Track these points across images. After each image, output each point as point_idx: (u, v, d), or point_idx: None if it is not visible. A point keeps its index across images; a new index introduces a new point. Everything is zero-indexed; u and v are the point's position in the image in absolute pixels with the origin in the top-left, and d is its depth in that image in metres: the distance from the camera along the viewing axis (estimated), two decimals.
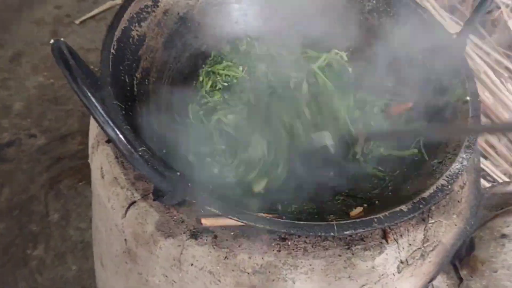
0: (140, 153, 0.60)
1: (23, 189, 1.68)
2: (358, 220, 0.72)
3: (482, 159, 1.78)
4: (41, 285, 1.47)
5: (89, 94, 0.57)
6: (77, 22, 2.37)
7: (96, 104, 0.57)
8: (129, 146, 0.58)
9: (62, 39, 0.65)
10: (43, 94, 2.02)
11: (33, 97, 2.00)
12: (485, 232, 1.05)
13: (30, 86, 2.05)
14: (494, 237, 1.02)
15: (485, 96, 1.79)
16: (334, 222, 0.71)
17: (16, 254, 1.53)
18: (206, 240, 0.76)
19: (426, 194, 0.76)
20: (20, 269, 1.49)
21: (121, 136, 0.58)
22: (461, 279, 1.07)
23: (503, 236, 1.01)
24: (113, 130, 0.57)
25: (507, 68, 1.90)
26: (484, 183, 1.74)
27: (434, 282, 1.09)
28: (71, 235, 1.58)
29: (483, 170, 1.76)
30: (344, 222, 0.71)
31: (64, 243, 1.56)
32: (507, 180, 1.74)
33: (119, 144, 0.58)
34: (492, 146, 1.79)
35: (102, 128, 0.57)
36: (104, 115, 0.57)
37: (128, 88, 0.88)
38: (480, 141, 1.77)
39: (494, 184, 1.54)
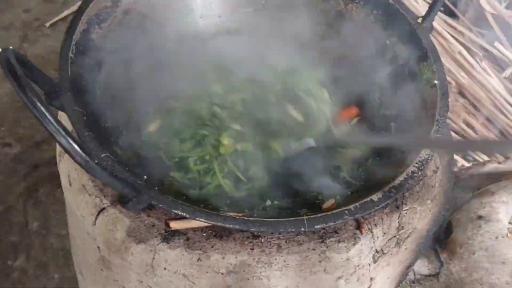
0: (97, 162, 0.58)
1: (0, 199, 1.65)
2: (329, 213, 0.71)
3: (461, 139, 1.79)
4: None
5: (39, 105, 0.55)
6: (47, 25, 2.32)
7: (46, 114, 0.55)
8: (84, 156, 0.57)
9: (11, 47, 0.63)
10: (16, 101, 1.97)
11: (5, 105, 1.96)
12: (462, 214, 1.05)
13: (2, 94, 2.01)
14: (470, 219, 1.03)
15: (460, 77, 1.79)
16: (305, 217, 0.70)
17: None
18: (178, 243, 0.75)
19: (396, 182, 0.75)
20: (1, 282, 1.47)
21: (75, 146, 0.56)
22: (442, 263, 1.08)
23: (479, 217, 1.01)
24: (66, 140, 0.55)
25: (481, 47, 1.90)
26: (465, 163, 1.75)
27: (415, 267, 1.09)
28: (52, 243, 1.56)
29: None
30: (315, 216, 0.70)
31: (45, 252, 1.54)
32: (487, 159, 1.75)
33: (73, 154, 0.56)
34: (471, 126, 1.80)
35: (54, 138, 0.56)
36: (56, 125, 0.55)
37: (91, 92, 0.86)
38: (458, 121, 1.77)
39: (475, 163, 1.55)
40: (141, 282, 0.80)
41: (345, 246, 0.77)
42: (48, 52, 2.12)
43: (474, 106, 1.82)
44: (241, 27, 1.11)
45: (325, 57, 1.09)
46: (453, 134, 1.77)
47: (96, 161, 0.58)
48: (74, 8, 2.38)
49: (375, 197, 0.74)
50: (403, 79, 0.96)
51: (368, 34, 1.04)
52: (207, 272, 0.74)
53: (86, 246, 0.88)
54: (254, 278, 0.74)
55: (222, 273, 0.74)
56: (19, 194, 1.67)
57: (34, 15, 2.36)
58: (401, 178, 0.76)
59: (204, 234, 0.76)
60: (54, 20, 2.34)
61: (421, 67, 0.93)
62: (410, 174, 0.77)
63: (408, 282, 1.13)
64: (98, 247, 0.82)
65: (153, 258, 0.75)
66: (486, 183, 1.11)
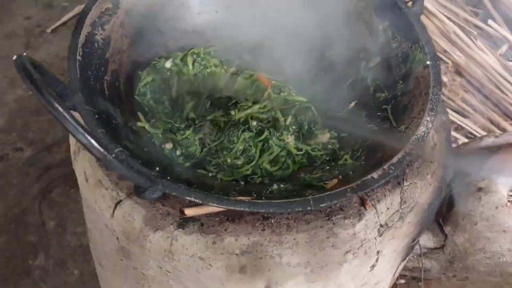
0: (114, 155, 0.63)
1: (15, 202, 1.70)
2: (332, 192, 0.75)
3: (460, 118, 1.82)
4: None
5: (57, 105, 0.59)
6: (48, 31, 2.35)
7: (65, 114, 0.59)
8: (102, 150, 0.61)
9: (24, 53, 0.67)
10: (24, 106, 2.02)
11: (14, 111, 2.01)
12: (463, 187, 1.09)
13: (10, 100, 2.06)
14: (471, 192, 1.06)
15: (456, 56, 1.82)
16: (310, 197, 0.74)
17: (18, 265, 1.56)
18: (193, 228, 0.79)
19: (395, 159, 0.79)
20: (23, 280, 1.53)
21: (93, 141, 0.60)
22: (446, 236, 1.12)
23: (479, 189, 1.05)
24: (84, 136, 0.60)
25: (476, 26, 1.93)
26: (464, 139, 1.79)
27: (421, 241, 1.13)
28: (69, 241, 1.61)
29: (463, 128, 1.80)
30: (319, 195, 0.74)
31: (63, 249, 1.59)
32: (484, 133, 1.78)
33: (92, 149, 0.60)
34: (469, 103, 1.83)
35: (73, 136, 0.60)
36: (74, 124, 0.59)
37: (99, 92, 0.90)
38: (456, 99, 1.80)
39: (473, 138, 1.58)
40: (160, 268, 0.84)
41: (351, 222, 0.81)
42: (52, 58, 2.17)
43: (471, 84, 1.85)
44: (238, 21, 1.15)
45: (316, 44, 1.12)
46: (451, 112, 1.81)
47: (113, 155, 0.62)
48: (73, 13, 2.42)
49: (375, 174, 0.77)
50: (395, 62, 0.99)
51: (360, 19, 1.07)
52: (222, 254, 0.78)
53: (105, 238, 0.92)
54: (267, 256, 0.78)
55: (237, 254, 0.78)
56: (33, 196, 1.73)
57: (35, 22, 2.40)
58: (399, 155, 0.80)
59: (217, 219, 0.80)
60: (55, 25, 2.38)
61: (413, 50, 0.96)
62: (407, 152, 0.80)
63: (415, 256, 1.17)
64: (117, 238, 0.86)
65: (171, 244, 0.79)
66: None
